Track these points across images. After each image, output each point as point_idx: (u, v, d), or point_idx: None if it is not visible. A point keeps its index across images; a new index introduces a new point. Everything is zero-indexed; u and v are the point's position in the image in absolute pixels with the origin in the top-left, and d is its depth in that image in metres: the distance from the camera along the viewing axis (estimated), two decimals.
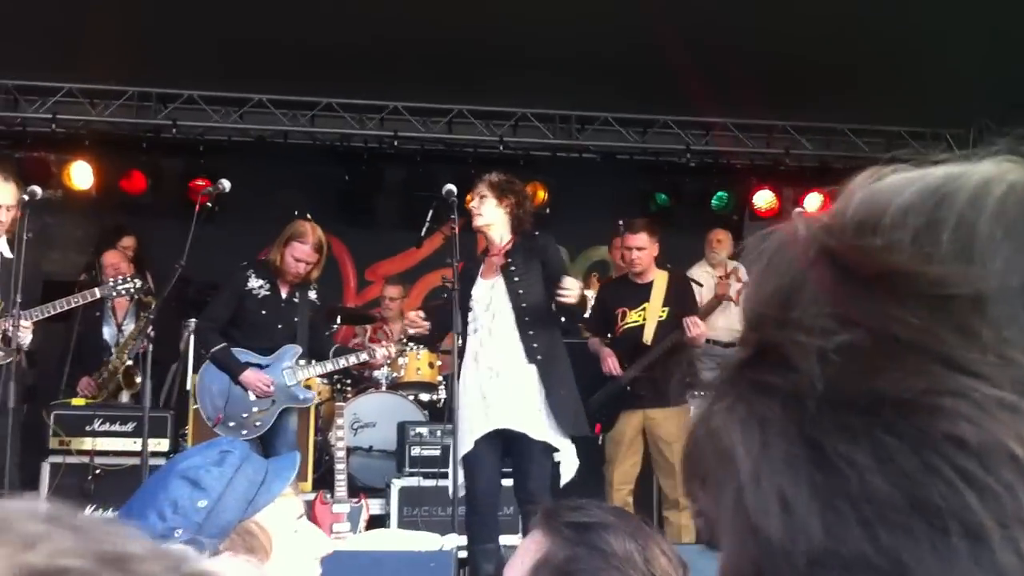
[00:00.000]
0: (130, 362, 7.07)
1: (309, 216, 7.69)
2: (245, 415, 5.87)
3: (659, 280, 6.36)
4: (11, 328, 5.12)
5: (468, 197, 5.28)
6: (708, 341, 8.01)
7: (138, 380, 7.03)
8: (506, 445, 4.99)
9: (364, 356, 6.20)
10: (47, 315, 5.42)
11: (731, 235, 8.34)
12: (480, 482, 4.92)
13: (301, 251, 5.86)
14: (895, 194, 0.48)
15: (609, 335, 6.44)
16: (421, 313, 5.46)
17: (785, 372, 0.46)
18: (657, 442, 6.19)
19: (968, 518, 0.42)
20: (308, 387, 6.18)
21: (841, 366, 0.44)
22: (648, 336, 6.24)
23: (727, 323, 8.00)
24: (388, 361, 6.56)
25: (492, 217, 5.08)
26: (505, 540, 5.22)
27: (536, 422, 4.93)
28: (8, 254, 5.44)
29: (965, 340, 0.43)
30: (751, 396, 0.47)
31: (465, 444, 4.94)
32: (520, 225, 5.15)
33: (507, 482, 5.22)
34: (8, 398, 4.87)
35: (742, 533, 0.47)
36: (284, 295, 5.98)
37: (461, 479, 5.02)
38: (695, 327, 6.10)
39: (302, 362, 5.96)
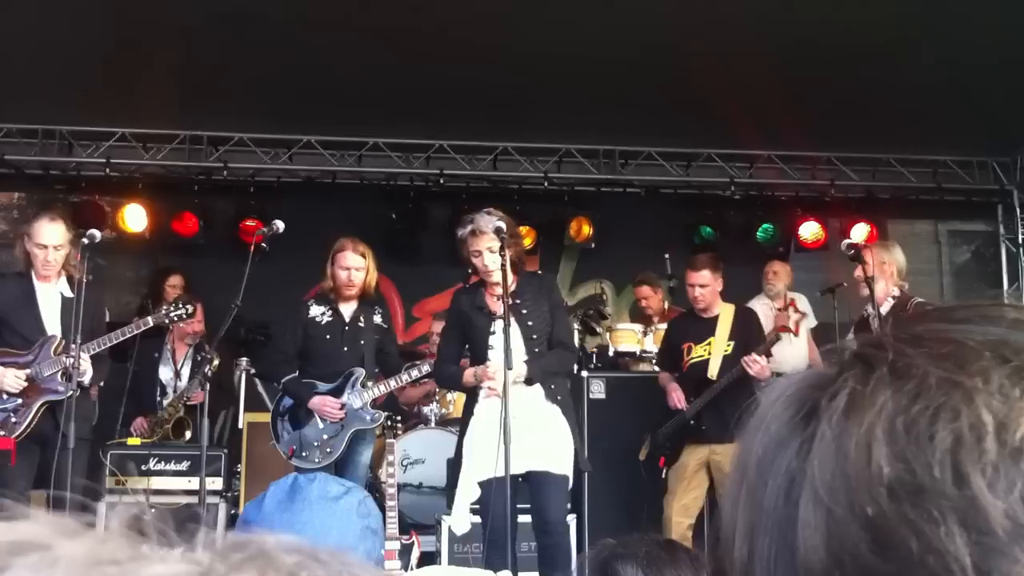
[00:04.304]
0: (181, 413, 7.15)
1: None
2: (316, 443, 5.94)
3: (724, 314, 6.32)
4: (72, 365, 5.24)
5: (478, 246, 5.14)
6: (775, 374, 7.95)
7: (187, 433, 7.13)
8: (522, 477, 5.02)
9: (426, 367, 6.04)
10: (103, 348, 5.54)
11: (787, 266, 8.32)
12: (495, 516, 4.91)
13: (345, 258, 5.90)
14: None
15: (677, 371, 6.42)
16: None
17: None
18: (722, 476, 6.12)
19: None
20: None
21: None
22: (713, 370, 6.20)
23: (792, 354, 7.93)
24: None
25: (497, 266, 5.05)
26: None
27: (559, 458, 5.03)
28: (68, 294, 5.57)
29: None
30: None
31: (481, 473, 4.98)
32: (521, 264, 5.22)
33: (523, 518, 5.19)
34: (70, 433, 4.96)
35: None
36: (348, 319, 5.99)
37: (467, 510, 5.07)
38: (754, 364, 6.01)
39: (369, 383, 5.97)
